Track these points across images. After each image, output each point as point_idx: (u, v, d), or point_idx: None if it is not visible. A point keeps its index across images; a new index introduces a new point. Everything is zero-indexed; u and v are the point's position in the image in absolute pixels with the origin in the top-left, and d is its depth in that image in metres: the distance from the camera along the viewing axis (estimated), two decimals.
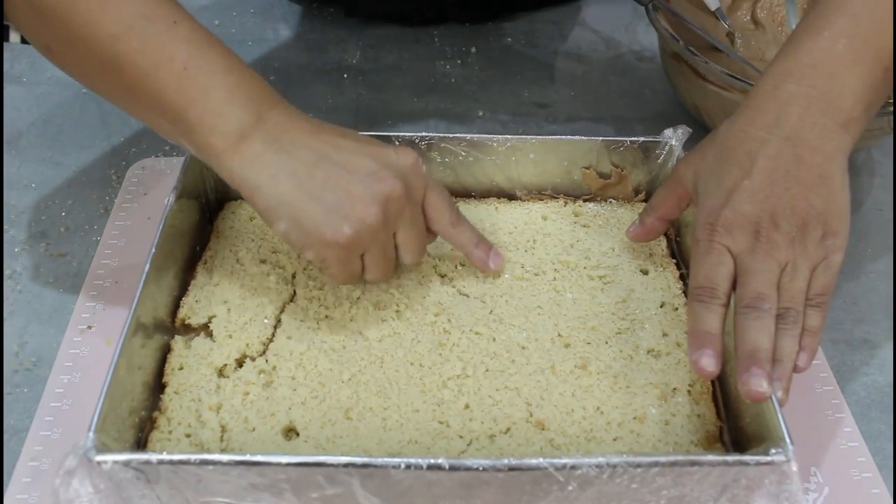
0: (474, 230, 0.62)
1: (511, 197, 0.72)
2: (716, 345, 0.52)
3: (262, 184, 0.54)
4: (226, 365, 0.58)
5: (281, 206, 0.54)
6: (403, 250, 0.58)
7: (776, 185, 0.54)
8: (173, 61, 0.54)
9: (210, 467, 0.46)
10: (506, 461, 0.46)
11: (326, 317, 0.61)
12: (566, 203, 0.72)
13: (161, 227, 0.60)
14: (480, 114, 0.90)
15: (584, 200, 0.72)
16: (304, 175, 0.54)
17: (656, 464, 0.46)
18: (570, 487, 0.47)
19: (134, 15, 0.55)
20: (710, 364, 0.51)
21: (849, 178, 0.55)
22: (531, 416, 0.55)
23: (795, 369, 0.51)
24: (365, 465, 0.46)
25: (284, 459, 0.46)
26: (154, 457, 0.46)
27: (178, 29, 0.55)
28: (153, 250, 0.58)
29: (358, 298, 0.62)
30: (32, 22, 0.57)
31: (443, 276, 0.65)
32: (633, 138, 0.70)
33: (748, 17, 0.91)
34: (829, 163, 0.54)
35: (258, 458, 0.46)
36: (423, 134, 0.70)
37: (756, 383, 0.49)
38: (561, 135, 0.71)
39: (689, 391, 0.57)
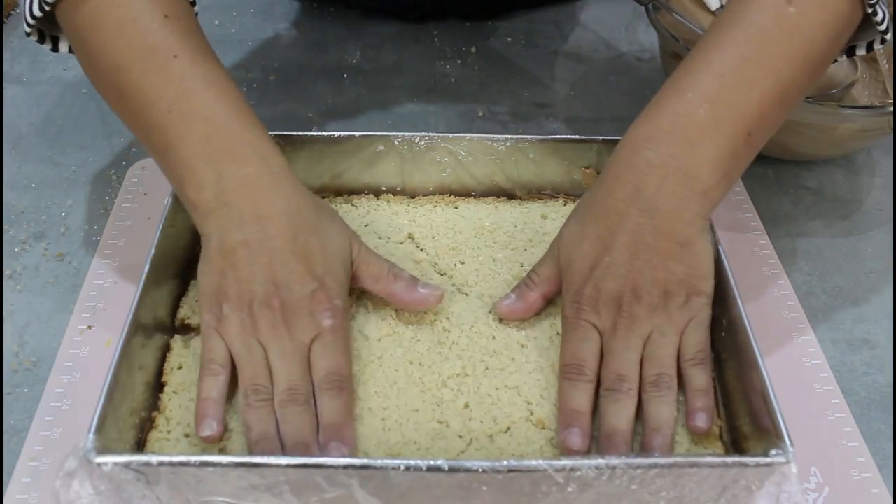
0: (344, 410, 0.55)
1: (511, 196, 0.72)
2: (583, 422, 0.53)
3: (203, 236, 0.57)
4: None
5: (203, 260, 0.56)
6: (272, 371, 0.54)
7: (637, 258, 0.55)
8: (161, 100, 0.56)
9: (210, 469, 0.46)
10: (505, 463, 0.46)
11: None
12: (566, 202, 0.72)
13: (161, 227, 0.60)
14: (480, 114, 0.90)
15: None
16: (228, 248, 0.55)
17: (656, 465, 0.46)
18: (569, 489, 0.47)
19: (139, 46, 0.56)
20: (576, 443, 0.52)
21: (711, 237, 0.57)
22: (531, 414, 0.55)
23: (696, 430, 0.53)
24: (364, 467, 0.46)
25: (284, 461, 0.46)
26: (154, 458, 0.46)
27: (175, 65, 0.56)
28: (153, 250, 0.58)
29: (358, 298, 0.62)
30: (73, 40, 0.61)
31: (442, 275, 0.65)
32: None
33: None
34: (688, 229, 0.55)
35: (258, 459, 0.46)
36: (423, 134, 0.70)
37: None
38: (561, 135, 0.71)
39: None
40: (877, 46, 0.64)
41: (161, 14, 0.57)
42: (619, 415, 0.53)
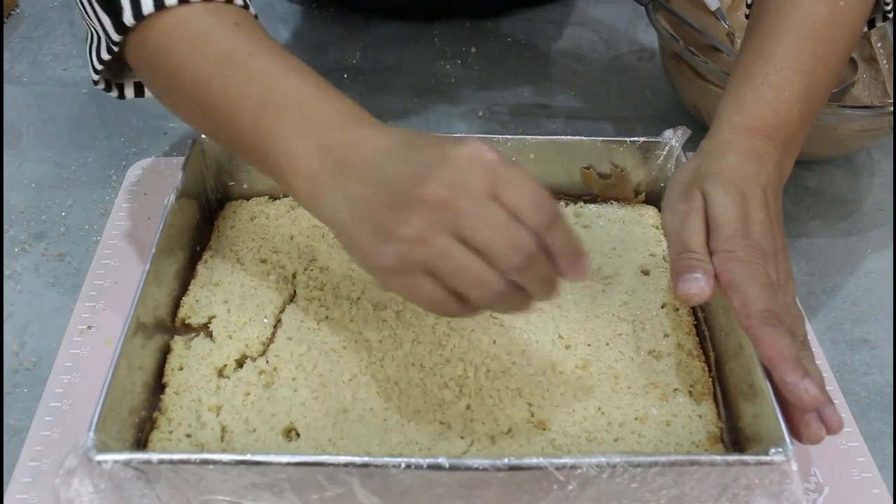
0: (571, 235, 0.49)
1: None
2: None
3: (328, 218, 0.51)
4: (226, 365, 0.58)
5: (343, 239, 0.51)
6: (489, 258, 0.46)
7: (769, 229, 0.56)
8: (248, 99, 0.54)
9: (211, 467, 0.46)
10: (506, 461, 0.46)
11: (327, 317, 0.61)
12: (567, 204, 0.72)
13: (161, 227, 0.60)
14: (480, 114, 0.90)
15: (585, 201, 0.72)
16: (357, 200, 0.49)
17: (656, 463, 0.46)
18: (570, 487, 0.47)
19: (215, 55, 0.55)
20: (816, 390, 0.49)
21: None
22: (532, 416, 0.55)
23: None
24: (365, 465, 0.46)
25: (285, 459, 0.46)
26: (154, 456, 0.46)
27: (254, 63, 0.55)
28: (153, 250, 0.58)
29: (358, 299, 0.62)
30: (142, 72, 0.60)
31: None
32: (633, 138, 0.70)
33: (748, 18, 0.91)
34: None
35: (259, 457, 0.46)
36: None
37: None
38: (561, 135, 0.71)
39: (689, 392, 0.57)
40: (878, 24, 0.69)
41: (231, 23, 0.56)
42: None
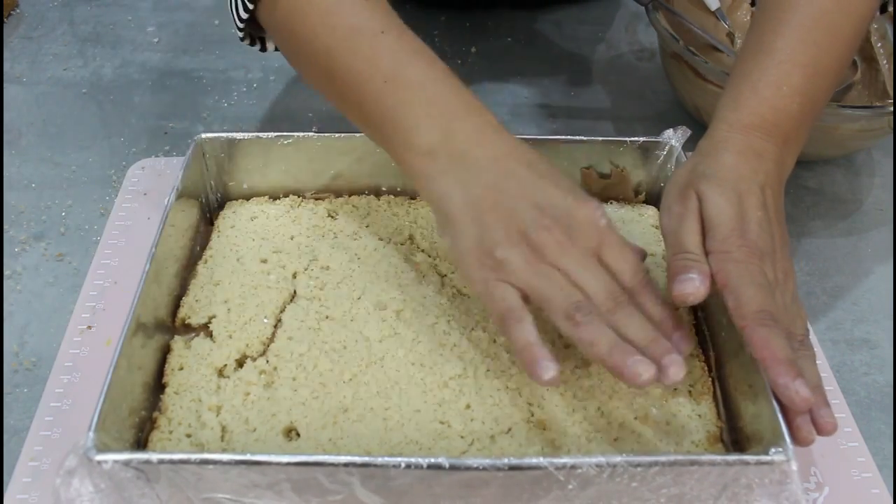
0: (662, 302, 0.53)
1: None
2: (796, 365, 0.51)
3: (438, 198, 0.55)
4: (226, 365, 0.58)
5: (448, 223, 0.54)
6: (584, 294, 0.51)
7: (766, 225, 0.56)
8: (375, 74, 0.57)
9: (210, 467, 0.46)
10: (506, 460, 0.46)
11: (327, 317, 0.61)
12: None
13: (161, 227, 0.60)
14: None
15: None
16: (475, 198, 0.53)
17: (656, 463, 0.46)
18: (570, 486, 0.47)
19: (346, 27, 0.58)
20: (808, 391, 0.49)
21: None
22: (532, 416, 0.55)
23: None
24: (365, 465, 0.46)
25: (285, 459, 0.46)
26: (154, 456, 0.46)
27: (383, 40, 0.58)
28: (153, 250, 0.58)
29: (358, 298, 0.62)
30: (273, 33, 0.64)
31: (443, 276, 0.65)
32: (633, 138, 0.70)
33: (748, 17, 0.91)
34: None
35: (259, 457, 0.46)
36: None
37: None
38: (561, 135, 0.71)
39: (689, 391, 0.57)
40: (890, 9, 0.68)
41: None
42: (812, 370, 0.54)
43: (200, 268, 0.65)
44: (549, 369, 0.49)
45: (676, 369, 0.48)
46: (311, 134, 0.70)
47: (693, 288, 0.52)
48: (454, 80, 0.58)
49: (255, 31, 0.68)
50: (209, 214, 0.70)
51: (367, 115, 0.58)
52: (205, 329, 0.60)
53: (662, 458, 0.47)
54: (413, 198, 0.72)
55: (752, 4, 0.91)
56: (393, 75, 0.57)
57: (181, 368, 0.58)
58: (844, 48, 0.60)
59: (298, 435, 0.54)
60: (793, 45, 0.59)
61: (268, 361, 0.58)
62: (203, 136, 0.68)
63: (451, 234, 0.54)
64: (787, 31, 0.60)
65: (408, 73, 0.57)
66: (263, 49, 0.69)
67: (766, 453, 0.47)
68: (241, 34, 0.67)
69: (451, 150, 0.55)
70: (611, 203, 0.72)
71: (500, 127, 0.57)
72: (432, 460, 0.46)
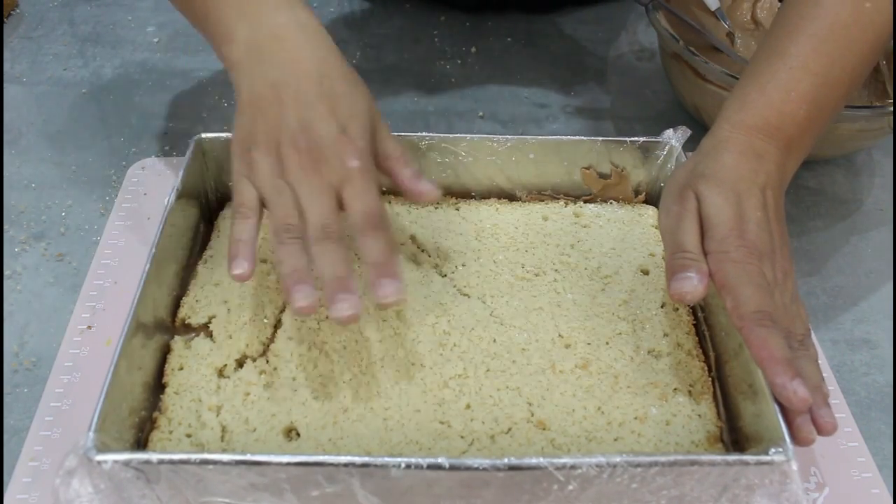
0: (388, 250, 0.55)
1: (511, 198, 0.72)
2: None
3: (235, 88, 0.58)
4: (226, 365, 0.58)
5: (236, 112, 0.57)
6: (303, 211, 0.54)
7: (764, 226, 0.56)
8: None
9: (210, 467, 0.46)
10: (506, 460, 0.46)
11: (327, 317, 0.61)
12: (567, 204, 0.72)
13: (161, 227, 0.60)
14: (480, 114, 0.90)
15: (585, 201, 0.72)
16: (257, 93, 0.56)
17: (656, 463, 0.46)
18: (570, 487, 0.47)
19: None
20: (806, 392, 0.49)
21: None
22: (532, 415, 0.55)
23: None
24: (365, 465, 0.46)
25: (284, 459, 0.46)
26: (154, 456, 0.46)
27: None
28: (153, 250, 0.58)
29: (359, 299, 0.62)
30: None
31: (443, 276, 0.65)
32: (633, 138, 0.70)
33: (748, 17, 0.91)
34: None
35: (258, 457, 0.46)
36: (423, 134, 0.70)
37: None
38: (561, 135, 0.71)
39: (689, 391, 0.57)
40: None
41: None
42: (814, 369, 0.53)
43: (200, 268, 0.65)
44: (240, 266, 0.52)
45: (342, 305, 0.50)
46: None
47: (691, 287, 0.52)
48: None
49: None
50: (209, 214, 0.70)
51: (195, 10, 0.60)
52: (205, 329, 0.60)
53: (662, 458, 0.47)
54: None
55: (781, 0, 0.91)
56: None
57: (181, 368, 0.58)
58: (858, 62, 0.60)
59: (298, 435, 0.54)
60: (806, 53, 0.59)
61: (268, 362, 0.58)
62: (203, 136, 0.68)
63: (235, 123, 0.57)
64: (802, 38, 0.59)
65: None
66: None
67: (766, 453, 0.47)
68: None
69: (252, 43, 0.57)
70: (610, 203, 0.72)
71: (315, 28, 0.58)
72: (432, 460, 0.46)
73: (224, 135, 0.68)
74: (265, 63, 0.56)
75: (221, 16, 0.58)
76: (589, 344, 0.60)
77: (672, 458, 0.47)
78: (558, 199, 0.72)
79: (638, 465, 0.46)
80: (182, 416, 0.55)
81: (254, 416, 0.55)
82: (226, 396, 0.56)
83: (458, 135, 0.70)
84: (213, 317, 0.61)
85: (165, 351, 0.59)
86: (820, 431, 0.50)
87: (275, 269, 0.52)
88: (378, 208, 0.54)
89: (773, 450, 0.47)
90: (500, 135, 0.70)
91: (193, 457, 0.46)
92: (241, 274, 0.52)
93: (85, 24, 1.02)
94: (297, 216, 0.53)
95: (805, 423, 0.50)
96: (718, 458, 0.47)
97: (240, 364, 0.58)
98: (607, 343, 0.60)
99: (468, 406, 0.55)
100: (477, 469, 0.46)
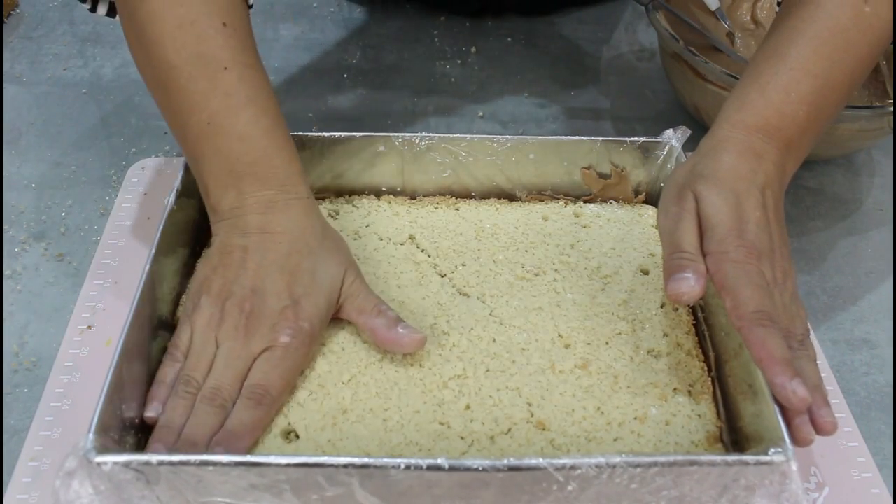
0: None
1: (511, 198, 0.72)
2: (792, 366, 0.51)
3: (213, 238, 0.60)
4: None
5: (204, 256, 0.61)
6: (213, 369, 0.55)
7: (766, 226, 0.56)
8: (203, 111, 0.58)
9: (210, 468, 0.46)
10: (505, 461, 0.46)
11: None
12: (566, 204, 0.72)
13: (161, 226, 0.60)
14: (480, 114, 0.90)
15: (585, 201, 0.72)
16: (228, 247, 0.57)
17: (656, 464, 0.46)
18: (569, 487, 0.47)
19: (193, 51, 0.58)
20: (805, 392, 0.49)
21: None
22: (532, 416, 0.55)
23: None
24: (364, 466, 0.46)
25: (284, 460, 0.46)
26: (154, 458, 0.46)
27: (223, 77, 0.58)
28: (153, 250, 0.58)
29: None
30: (122, 14, 0.62)
31: (443, 276, 0.65)
32: (633, 138, 0.70)
33: (748, 17, 0.91)
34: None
35: (258, 458, 0.46)
36: (423, 134, 0.70)
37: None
38: (561, 135, 0.71)
39: (689, 391, 0.57)
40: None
41: (220, 21, 0.59)
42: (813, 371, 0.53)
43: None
44: (155, 410, 0.53)
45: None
46: (311, 134, 0.70)
47: (688, 287, 0.52)
48: (276, 139, 0.59)
49: None
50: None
51: (188, 147, 0.60)
52: None
53: (662, 459, 0.46)
54: (413, 198, 0.72)
55: (779, 4, 0.91)
56: (218, 120, 0.58)
57: None
58: (857, 66, 0.60)
59: (297, 436, 0.54)
60: (806, 55, 0.59)
61: None
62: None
63: (199, 263, 0.61)
64: (802, 40, 0.59)
65: (231, 120, 0.58)
66: (93, 9, 0.68)
67: (766, 453, 0.47)
68: None
69: (235, 208, 0.58)
70: (610, 203, 0.72)
71: (297, 201, 0.59)
72: (431, 461, 0.46)
73: None
74: (243, 226, 0.57)
75: (215, 169, 0.59)
76: (589, 344, 0.60)
77: (672, 458, 0.47)
78: (558, 199, 0.72)
79: (637, 465, 0.46)
80: None
81: None
82: None
83: (458, 135, 0.70)
84: None
85: (166, 351, 0.59)
86: (819, 431, 0.50)
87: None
88: (273, 385, 0.54)
89: (772, 450, 0.47)
90: (500, 135, 0.70)
91: (193, 458, 0.46)
92: (152, 417, 0.53)
93: (85, 24, 1.02)
94: (203, 372, 0.54)
95: (804, 423, 0.50)
96: (718, 458, 0.47)
97: None
98: (607, 343, 0.60)
99: (468, 407, 0.55)
100: (476, 470, 0.46)
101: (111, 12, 0.68)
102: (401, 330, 0.57)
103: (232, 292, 0.55)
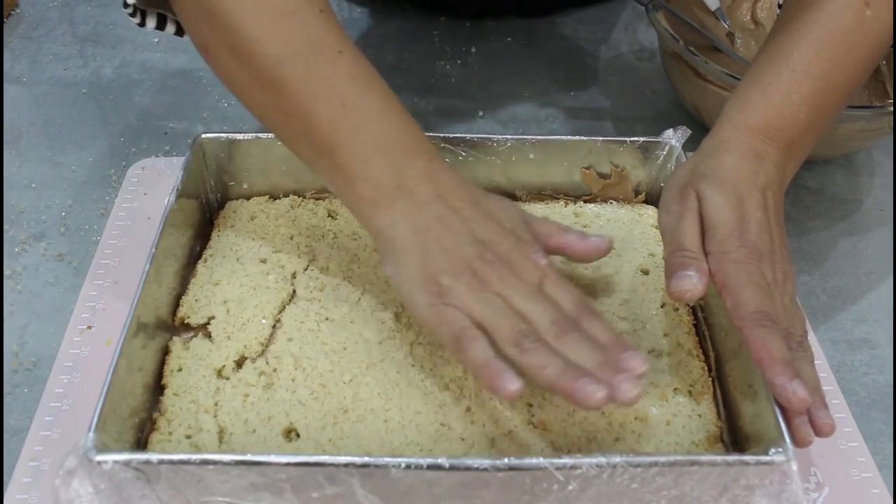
0: (608, 327, 0.53)
1: (512, 197, 0.72)
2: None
3: (385, 228, 0.55)
4: (225, 366, 0.57)
5: (393, 251, 0.54)
6: (529, 322, 0.51)
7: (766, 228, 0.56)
8: (332, 96, 0.55)
9: (210, 467, 0.46)
10: (506, 460, 0.46)
11: (327, 318, 0.61)
12: (567, 204, 0.72)
13: (161, 227, 0.60)
14: (480, 114, 0.90)
15: (585, 201, 0.72)
16: (421, 227, 0.54)
17: (656, 463, 0.46)
18: (570, 487, 0.47)
19: (303, 39, 0.55)
20: (805, 393, 0.49)
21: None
22: (533, 417, 0.55)
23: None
24: (365, 465, 0.46)
25: (284, 459, 0.46)
26: (154, 457, 0.46)
27: (342, 60, 0.56)
28: (153, 250, 0.58)
29: (358, 300, 0.62)
30: (197, 19, 0.58)
31: None
32: (633, 138, 0.70)
33: (748, 17, 0.91)
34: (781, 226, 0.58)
35: (258, 457, 0.46)
36: None
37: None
38: (561, 135, 0.71)
39: (689, 391, 0.57)
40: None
41: (317, 8, 0.57)
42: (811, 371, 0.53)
43: (200, 267, 0.64)
44: (514, 380, 0.48)
45: (628, 386, 0.47)
46: None
47: (690, 285, 0.52)
48: (407, 115, 0.58)
49: (154, 6, 0.63)
50: (209, 214, 0.70)
51: (317, 137, 0.56)
52: (203, 329, 0.60)
53: (662, 459, 0.47)
54: None
55: (780, 6, 0.91)
56: (351, 101, 0.56)
57: (180, 370, 0.57)
58: (858, 68, 0.60)
59: (298, 436, 0.54)
60: (808, 57, 0.59)
61: (267, 362, 0.58)
62: (203, 136, 0.68)
63: (394, 262, 0.54)
64: (804, 42, 0.60)
65: (366, 100, 0.56)
66: (142, 24, 0.64)
67: (766, 453, 0.47)
68: (129, 10, 0.62)
69: (400, 185, 0.55)
70: (610, 203, 0.72)
71: (448, 166, 0.58)
72: (432, 461, 0.46)
73: (224, 135, 0.68)
74: (420, 199, 0.55)
75: (361, 151, 0.55)
76: None
77: (672, 458, 0.47)
78: (558, 199, 0.72)
79: (638, 465, 0.46)
80: (181, 417, 0.55)
81: (253, 417, 0.54)
82: (225, 398, 0.56)
83: (458, 135, 0.70)
84: (212, 317, 0.60)
85: (166, 351, 0.59)
86: (818, 433, 0.50)
87: (535, 378, 0.49)
88: (581, 295, 0.53)
89: (772, 450, 0.47)
90: (500, 135, 0.70)
91: (194, 457, 0.46)
92: (519, 388, 0.48)
93: (85, 24, 1.02)
94: (522, 321, 0.51)
95: (803, 424, 0.50)
96: (718, 458, 0.47)
97: (239, 365, 0.58)
98: None
99: (468, 408, 0.55)
100: (477, 469, 0.46)
101: (160, 24, 0.65)
102: (593, 239, 0.57)
103: (466, 255, 0.53)
